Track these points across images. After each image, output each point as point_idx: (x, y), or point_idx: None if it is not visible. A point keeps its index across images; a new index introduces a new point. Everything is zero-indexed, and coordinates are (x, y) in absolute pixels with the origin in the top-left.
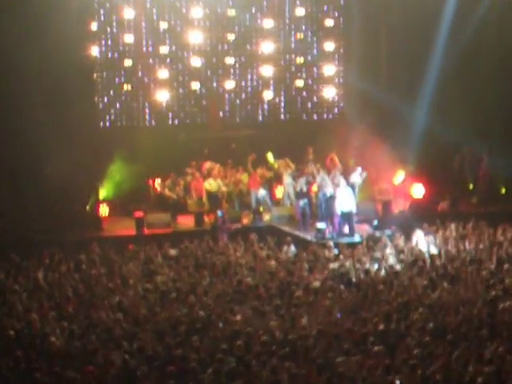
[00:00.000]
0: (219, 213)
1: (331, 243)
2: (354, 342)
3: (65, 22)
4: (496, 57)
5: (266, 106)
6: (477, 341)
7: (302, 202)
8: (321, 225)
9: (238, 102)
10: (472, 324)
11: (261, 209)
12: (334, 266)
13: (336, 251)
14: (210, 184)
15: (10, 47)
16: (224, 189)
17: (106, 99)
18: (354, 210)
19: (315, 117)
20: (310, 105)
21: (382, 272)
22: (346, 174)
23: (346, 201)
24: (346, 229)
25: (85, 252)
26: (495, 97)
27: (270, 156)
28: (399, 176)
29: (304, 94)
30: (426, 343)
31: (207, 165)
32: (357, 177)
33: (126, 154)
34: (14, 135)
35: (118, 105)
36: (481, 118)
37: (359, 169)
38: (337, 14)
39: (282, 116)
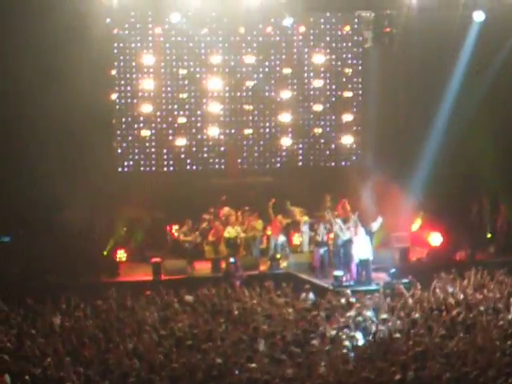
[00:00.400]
0: (232, 259)
1: (348, 291)
2: None
3: (84, 67)
4: None
5: (284, 153)
6: None
7: (322, 250)
8: (338, 272)
9: (256, 148)
10: (489, 374)
11: (278, 255)
12: (350, 314)
13: (353, 299)
14: (229, 232)
15: (29, 93)
16: (242, 235)
17: (124, 144)
18: (370, 257)
19: (333, 164)
20: (327, 152)
21: (399, 321)
22: (363, 221)
23: (363, 248)
24: (363, 277)
25: (101, 297)
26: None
27: (288, 205)
28: (416, 223)
29: (322, 141)
30: None
31: (225, 211)
32: (376, 225)
33: (144, 200)
34: (30, 179)
35: (136, 150)
36: (499, 166)
37: (380, 219)
38: (355, 62)
39: (300, 163)
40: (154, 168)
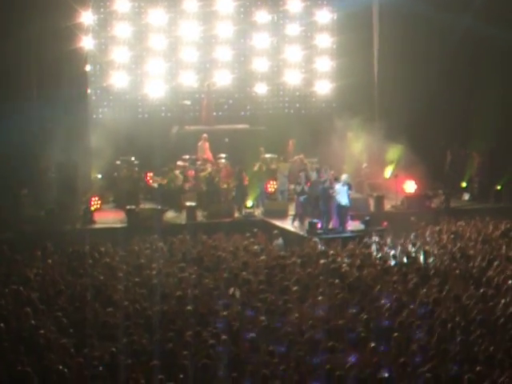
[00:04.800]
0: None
1: (316, 239)
2: (344, 338)
3: (57, 13)
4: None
5: (259, 100)
6: (466, 338)
7: (302, 198)
8: (313, 220)
9: (230, 95)
10: (461, 321)
11: (249, 203)
12: (325, 261)
13: (327, 246)
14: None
15: None
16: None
17: (98, 91)
18: (347, 205)
19: (307, 111)
20: (303, 99)
21: (374, 268)
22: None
23: (340, 196)
24: (338, 224)
25: (76, 244)
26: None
27: (262, 151)
28: (390, 171)
29: (298, 88)
30: (418, 339)
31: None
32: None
33: (119, 147)
34: (8, 127)
35: (110, 97)
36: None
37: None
38: (331, 9)
39: (275, 110)
40: (128, 114)
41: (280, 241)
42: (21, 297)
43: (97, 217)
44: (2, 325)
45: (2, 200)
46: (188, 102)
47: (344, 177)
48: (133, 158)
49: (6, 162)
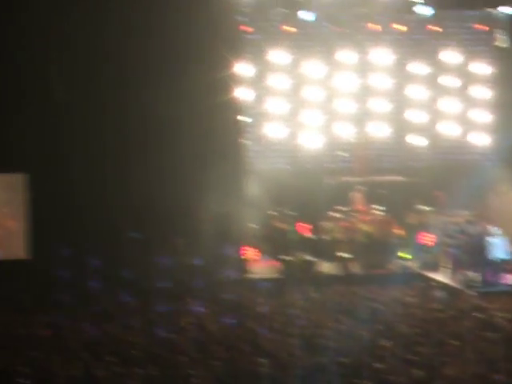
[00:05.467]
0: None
1: (475, 293)
2: None
3: (211, 64)
4: None
5: (414, 152)
6: None
7: (455, 250)
8: (469, 273)
9: (386, 147)
10: None
11: (404, 255)
12: (481, 315)
13: (484, 300)
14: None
15: (159, 89)
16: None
17: (253, 142)
18: (505, 258)
19: (464, 163)
20: (459, 150)
21: None
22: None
23: (497, 249)
24: (496, 277)
25: (230, 294)
26: None
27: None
28: None
29: (454, 139)
30: None
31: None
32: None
33: (274, 197)
34: (163, 179)
35: (265, 147)
36: None
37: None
38: (489, 61)
39: (430, 162)
40: (282, 165)
41: (440, 293)
42: (175, 345)
43: (251, 267)
44: (155, 373)
45: (159, 250)
46: (344, 154)
47: (495, 229)
48: (286, 209)
49: (165, 213)
